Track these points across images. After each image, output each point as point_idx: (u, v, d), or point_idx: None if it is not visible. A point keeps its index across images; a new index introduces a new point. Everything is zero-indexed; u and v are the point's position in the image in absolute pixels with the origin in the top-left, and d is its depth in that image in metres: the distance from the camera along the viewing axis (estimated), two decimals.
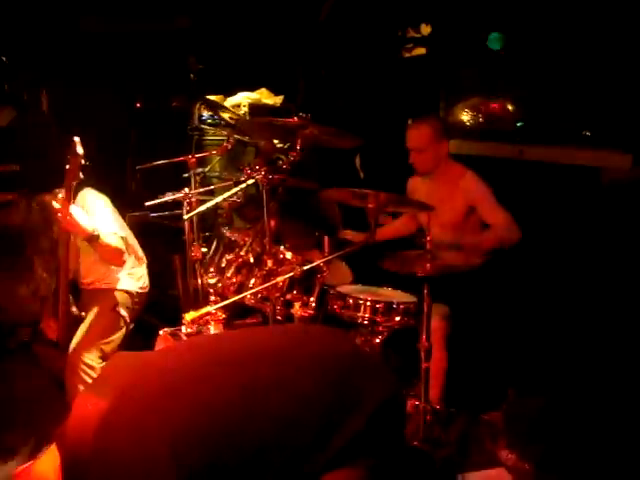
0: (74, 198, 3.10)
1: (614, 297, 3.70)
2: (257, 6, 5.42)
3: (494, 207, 3.54)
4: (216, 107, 4.91)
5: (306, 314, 2.98)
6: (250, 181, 2.99)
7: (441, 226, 3.56)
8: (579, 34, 3.97)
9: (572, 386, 3.44)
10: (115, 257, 3.29)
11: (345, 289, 3.26)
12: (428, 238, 2.96)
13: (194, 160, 3.80)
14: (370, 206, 2.86)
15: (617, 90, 3.77)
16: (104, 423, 1.43)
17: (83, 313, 3.36)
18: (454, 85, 4.92)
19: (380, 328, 3.12)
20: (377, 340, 3.14)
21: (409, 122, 4.04)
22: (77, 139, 2.97)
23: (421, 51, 5.04)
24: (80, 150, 2.98)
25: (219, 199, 3.02)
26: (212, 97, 5.14)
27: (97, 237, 3.09)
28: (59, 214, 2.99)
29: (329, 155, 4.25)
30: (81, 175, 3.03)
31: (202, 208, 3.04)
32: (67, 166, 3.00)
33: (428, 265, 2.90)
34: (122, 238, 3.30)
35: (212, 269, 3.35)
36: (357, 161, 5.14)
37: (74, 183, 3.02)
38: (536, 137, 4.28)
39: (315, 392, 1.59)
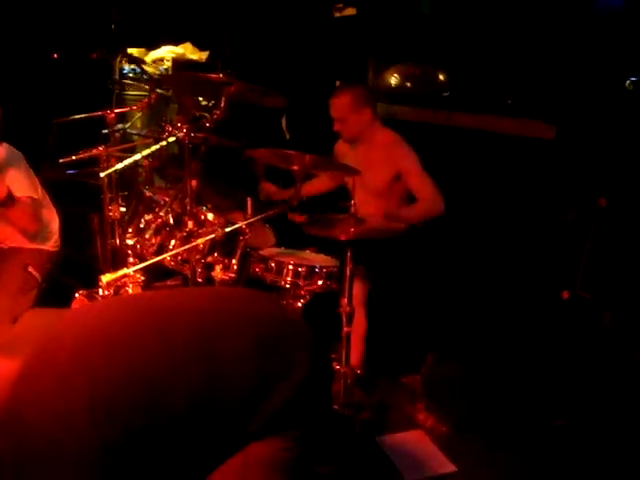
0: None
1: (529, 263, 3.79)
2: None
3: (422, 178, 3.51)
4: (138, 61, 4.73)
5: (227, 277, 2.92)
6: (171, 139, 2.87)
7: (365, 191, 3.55)
8: (507, 2, 3.98)
9: (488, 349, 3.52)
10: (28, 223, 3.20)
11: (267, 252, 3.22)
12: (352, 202, 2.93)
13: (113, 115, 3.64)
14: (295, 168, 2.80)
15: (548, 63, 3.80)
16: (19, 385, 1.39)
17: None
18: (383, 48, 4.88)
19: (302, 292, 3.09)
20: (299, 304, 3.11)
21: (337, 84, 3.98)
22: None
23: (352, 11, 4.97)
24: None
25: (138, 157, 2.90)
26: (134, 50, 4.95)
27: (11, 203, 2.96)
28: None
29: (254, 115, 4.16)
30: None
31: (120, 166, 2.91)
32: None
33: (352, 230, 2.87)
34: (35, 200, 3.17)
35: (130, 230, 3.23)
36: (283, 122, 5.06)
37: None
38: (464, 104, 4.29)
39: (246, 352, 1.55)
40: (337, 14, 5.00)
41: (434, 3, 4.51)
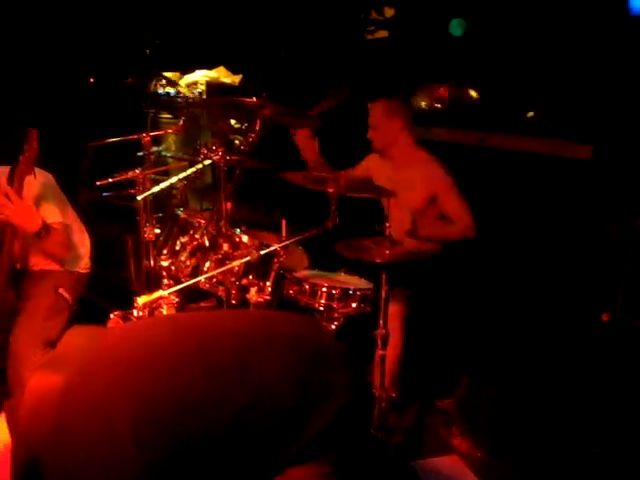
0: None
1: (568, 285, 3.73)
2: None
3: (457, 201, 3.49)
4: (172, 84, 4.79)
5: (262, 300, 2.91)
6: (207, 162, 2.90)
7: (400, 210, 3.53)
8: (540, 22, 3.96)
9: (525, 373, 3.46)
10: (59, 250, 3.21)
11: (301, 274, 3.21)
12: (387, 224, 2.91)
13: (148, 138, 3.69)
14: (330, 190, 2.80)
15: (581, 82, 3.77)
16: (65, 399, 1.41)
17: (19, 305, 3.24)
18: (416, 70, 4.88)
19: (336, 314, 3.07)
20: (332, 326, 3.09)
21: (368, 105, 3.98)
22: (34, 131, 2.85)
23: (383, 34, 4.99)
24: (36, 144, 2.86)
25: (174, 179, 2.93)
26: (169, 74, 5.02)
27: (45, 233, 2.99)
28: (5, 206, 2.88)
29: (287, 137, 4.18)
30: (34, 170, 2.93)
31: (157, 188, 2.94)
32: (21, 157, 2.89)
33: (387, 252, 2.85)
34: (67, 226, 3.21)
35: (165, 251, 3.26)
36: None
37: (26, 177, 2.92)
38: (497, 125, 4.27)
39: (286, 376, 1.54)
40: (369, 37, 5.03)
41: (465, 23, 4.50)
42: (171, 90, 4.86)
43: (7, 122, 3.11)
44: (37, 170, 3.20)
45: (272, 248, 2.86)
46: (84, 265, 3.51)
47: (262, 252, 2.79)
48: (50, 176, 3.33)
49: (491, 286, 3.91)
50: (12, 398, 2.87)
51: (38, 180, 3.19)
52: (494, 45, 4.27)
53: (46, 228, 3.02)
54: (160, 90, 4.85)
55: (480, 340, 3.67)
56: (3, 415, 1.85)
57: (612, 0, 3.52)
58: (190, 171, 2.95)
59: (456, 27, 4.48)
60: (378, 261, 2.85)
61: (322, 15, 5.09)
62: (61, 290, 3.33)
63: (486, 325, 3.74)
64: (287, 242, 2.95)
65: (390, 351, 3.03)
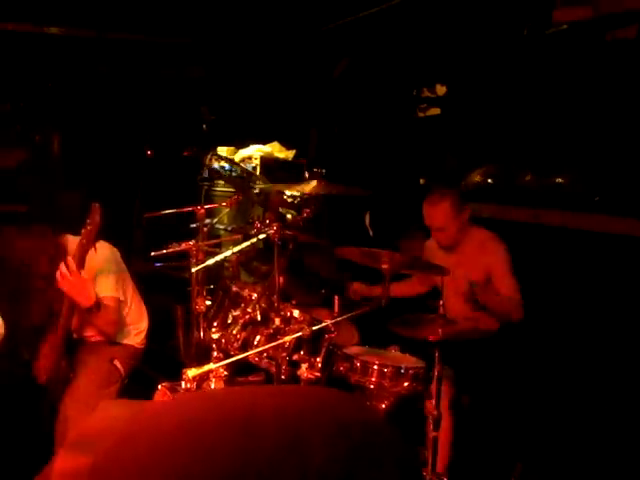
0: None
1: (623, 366, 3.60)
2: (272, 60, 5.45)
3: (510, 280, 3.42)
4: (227, 159, 4.89)
5: (312, 376, 2.87)
6: (262, 236, 2.92)
7: (455, 291, 3.47)
8: (589, 100, 3.96)
9: (579, 459, 3.32)
10: (108, 329, 3.26)
11: (352, 350, 3.16)
12: (441, 302, 2.87)
13: (203, 211, 3.74)
14: (384, 267, 2.78)
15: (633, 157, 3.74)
16: (98, 474, 1.38)
17: (72, 374, 3.27)
18: (468, 146, 4.91)
19: (387, 393, 3.01)
20: (382, 406, 3.03)
21: (421, 181, 4.00)
22: (98, 206, 2.92)
23: (436, 111, 5.05)
24: (99, 218, 2.93)
25: (229, 252, 2.95)
26: (224, 148, 5.13)
27: (97, 310, 3.04)
28: (64, 277, 2.94)
29: (339, 212, 4.21)
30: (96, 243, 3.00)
31: (211, 261, 2.97)
32: (83, 230, 2.95)
33: (440, 330, 2.80)
34: (121, 303, 3.24)
35: (216, 323, 3.25)
36: (367, 219, 5.10)
37: (88, 250, 2.98)
38: (552, 201, 4.22)
39: (335, 457, 1.48)
40: (421, 114, 5.09)
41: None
42: (225, 164, 4.96)
43: (73, 192, 3.18)
44: (101, 243, 3.26)
45: (325, 324, 2.83)
46: (140, 340, 3.53)
47: (314, 328, 2.76)
48: (115, 250, 3.40)
49: (547, 368, 3.80)
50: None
51: (99, 254, 3.25)
52: (545, 121, 4.27)
53: (97, 305, 3.06)
54: (215, 164, 4.95)
55: (535, 424, 3.55)
56: None
57: None
58: (245, 244, 2.98)
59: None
60: (431, 339, 2.80)
61: (375, 92, 5.18)
62: (115, 361, 3.35)
63: (541, 408, 3.62)
64: (339, 318, 2.92)
65: (442, 432, 2.94)
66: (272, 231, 2.89)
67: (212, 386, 2.88)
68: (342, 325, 3.29)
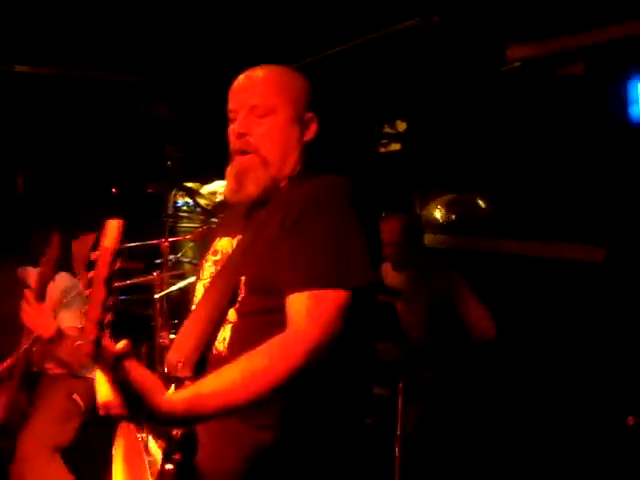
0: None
1: (592, 388, 3.64)
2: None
3: (474, 300, 3.49)
4: (193, 194, 4.92)
5: None
6: None
7: (415, 315, 3.51)
8: (548, 131, 4.08)
9: None
10: (71, 359, 3.18)
11: None
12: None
13: (167, 244, 3.76)
14: None
15: (590, 184, 3.85)
16: None
17: (30, 409, 3.22)
18: (428, 181, 5.00)
19: None
20: None
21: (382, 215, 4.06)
22: (57, 236, 2.91)
23: (396, 147, 5.14)
24: (57, 248, 2.91)
25: (192, 279, 2.96)
26: (189, 184, 5.16)
27: (58, 340, 3.01)
28: (23, 309, 2.91)
29: None
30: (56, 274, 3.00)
31: (173, 288, 2.98)
32: (42, 259, 2.94)
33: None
34: None
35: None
36: None
37: (47, 280, 2.97)
38: (510, 231, 4.32)
39: None
40: (382, 150, 5.17)
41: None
42: (190, 200, 4.98)
43: (36, 227, 3.17)
44: (62, 275, 3.25)
45: None
46: None
47: None
48: (76, 281, 3.36)
49: (511, 393, 3.84)
50: None
51: (60, 284, 3.24)
52: (503, 154, 4.39)
53: (59, 335, 3.01)
54: (180, 200, 4.97)
55: (502, 449, 3.57)
56: None
57: (614, 111, 3.63)
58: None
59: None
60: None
61: (335, 128, 5.26)
62: (75, 396, 3.29)
63: (507, 433, 3.65)
64: None
65: None
66: None
67: None
68: None
